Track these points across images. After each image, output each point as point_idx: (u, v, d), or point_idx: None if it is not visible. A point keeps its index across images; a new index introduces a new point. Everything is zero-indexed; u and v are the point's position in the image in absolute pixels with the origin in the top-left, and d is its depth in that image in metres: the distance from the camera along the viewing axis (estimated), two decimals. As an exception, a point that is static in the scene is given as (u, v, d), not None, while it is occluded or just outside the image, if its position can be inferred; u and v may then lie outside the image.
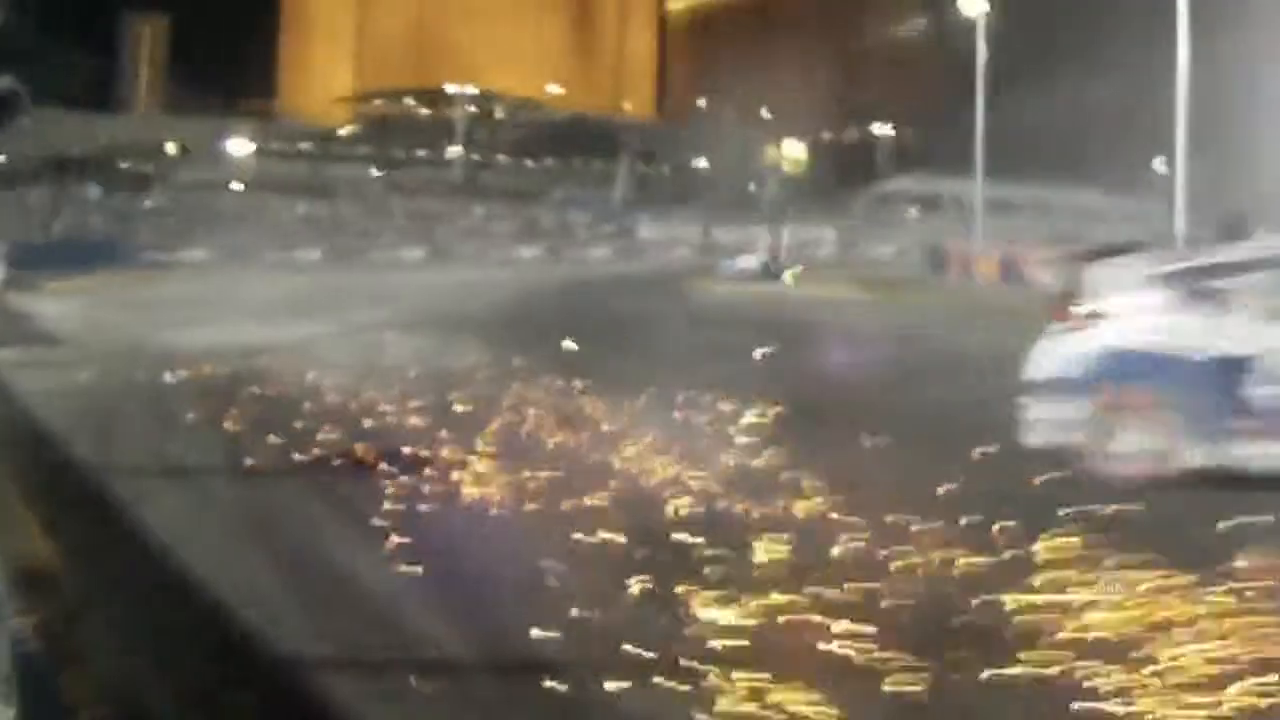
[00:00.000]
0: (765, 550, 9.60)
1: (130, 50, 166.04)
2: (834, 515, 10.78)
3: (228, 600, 8.49)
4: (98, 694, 6.57)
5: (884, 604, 8.16)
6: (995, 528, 9.70)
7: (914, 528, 9.95)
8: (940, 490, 11.21)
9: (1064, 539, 9.31)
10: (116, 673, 7.04)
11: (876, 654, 7.12)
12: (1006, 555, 9.19)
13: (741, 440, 14.74)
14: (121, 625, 8.01)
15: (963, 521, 10.06)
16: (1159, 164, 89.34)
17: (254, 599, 8.50)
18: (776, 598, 8.25)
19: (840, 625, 7.61)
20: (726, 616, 7.98)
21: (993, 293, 43.63)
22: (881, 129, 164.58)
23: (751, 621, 7.90)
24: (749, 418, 16.03)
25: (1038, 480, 11.84)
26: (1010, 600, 8.08)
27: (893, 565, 9.14)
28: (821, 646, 7.38)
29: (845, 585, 8.43)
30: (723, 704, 6.44)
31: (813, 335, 30.40)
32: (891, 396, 18.32)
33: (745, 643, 7.44)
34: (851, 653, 7.22)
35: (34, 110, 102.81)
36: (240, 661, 7.47)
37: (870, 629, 7.50)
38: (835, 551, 9.63)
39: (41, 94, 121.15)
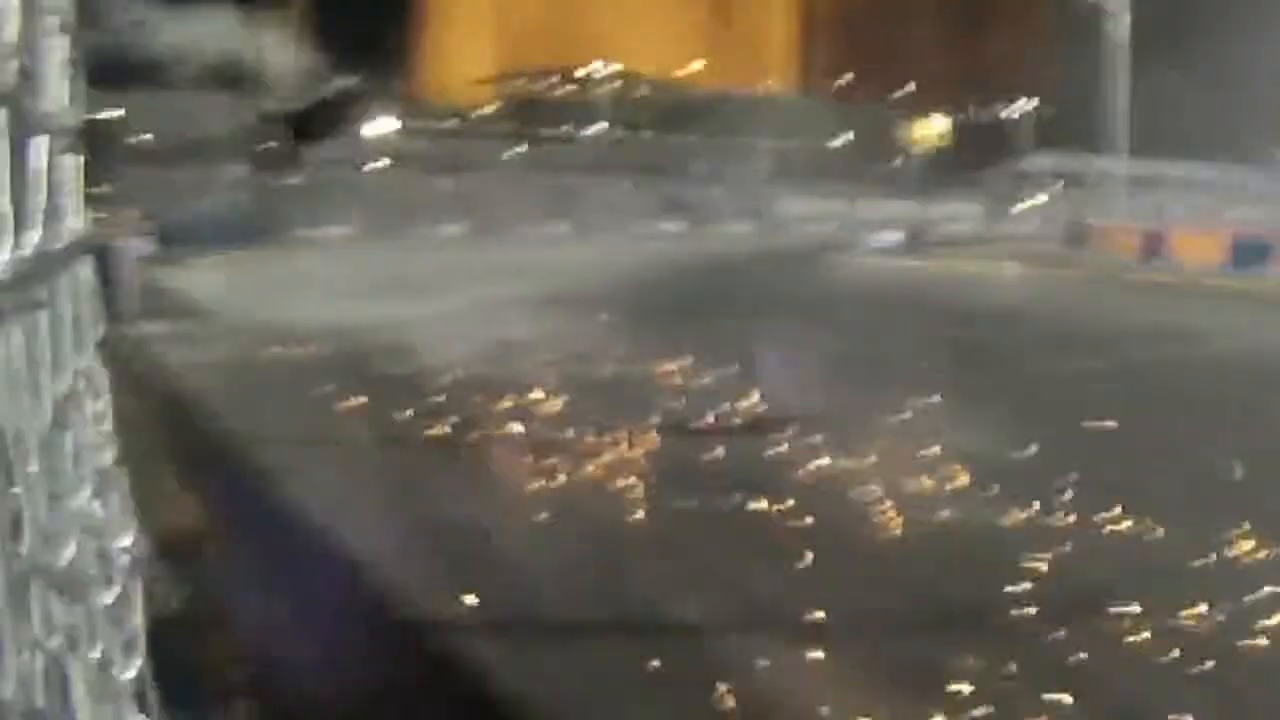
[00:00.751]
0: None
1: (271, 29, 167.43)
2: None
3: (366, 565, 8.68)
4: (233, 658, 6.76)
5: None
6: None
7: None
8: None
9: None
10: (252, 637, 7.22)
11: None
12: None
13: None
14: (266, 592, 8.21)
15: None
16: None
17: (392, 565, 8.68)
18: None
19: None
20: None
21: (1137, 268, 43.17)
22: (1023, 105, 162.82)
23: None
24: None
25: None
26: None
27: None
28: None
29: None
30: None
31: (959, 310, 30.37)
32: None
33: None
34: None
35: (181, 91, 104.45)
36: (378, 625, 7.64)
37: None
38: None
39: (186, 77, 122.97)
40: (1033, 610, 7.95)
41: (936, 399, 15.83)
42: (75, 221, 5.89)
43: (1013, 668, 6.97)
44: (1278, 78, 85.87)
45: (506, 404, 16.33)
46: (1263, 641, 7.33)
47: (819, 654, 7.18)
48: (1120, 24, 57.44)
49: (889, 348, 22.64)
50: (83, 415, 5.33)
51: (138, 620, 5.38)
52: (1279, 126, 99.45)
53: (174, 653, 6.23)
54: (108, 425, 6.87)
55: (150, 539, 7.93)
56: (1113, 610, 7.81)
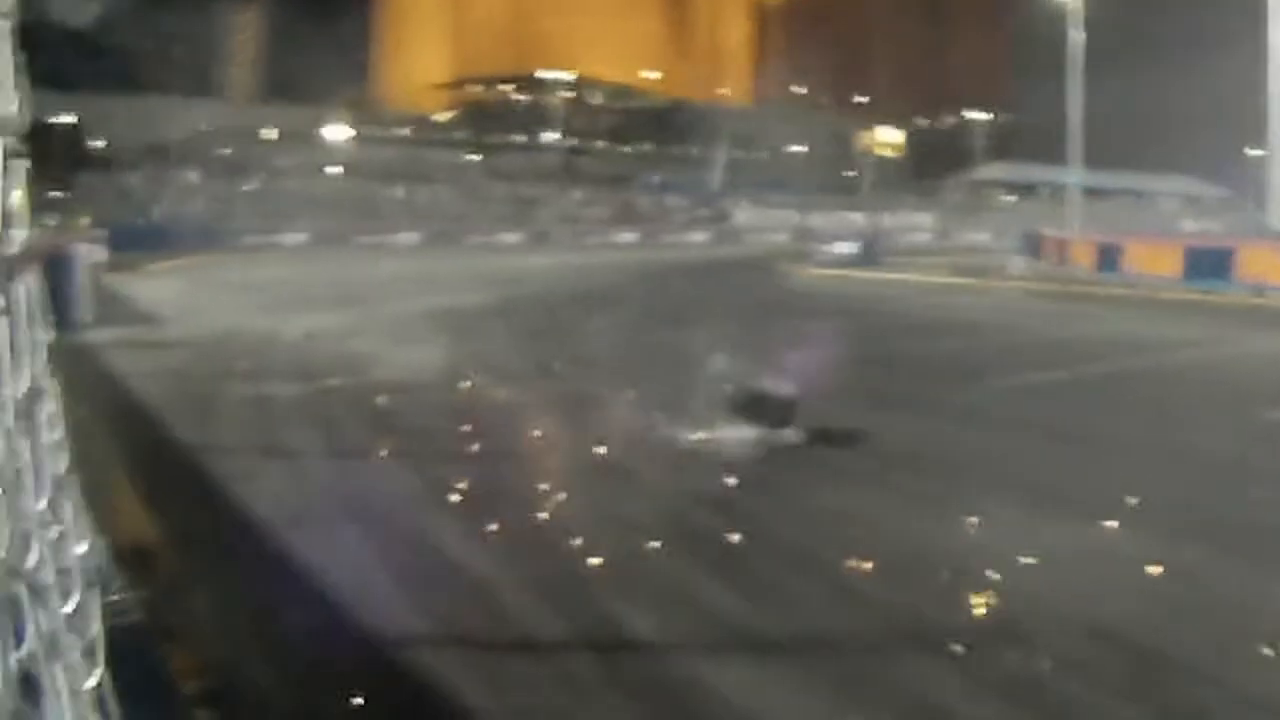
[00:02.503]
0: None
1: (229, 37, 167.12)
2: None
3: (327, 576, 8.63)
4: (199, 668, 6.71)
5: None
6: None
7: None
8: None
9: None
10: (217, 648, 7.18)
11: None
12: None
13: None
14: (222, 601, 8.16)
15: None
16: (1253, 151, 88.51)
17: (352, 576, 8.64)
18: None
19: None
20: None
21: (1089, 280, 43.31)
22: (976, 115, 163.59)
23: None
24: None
25: None
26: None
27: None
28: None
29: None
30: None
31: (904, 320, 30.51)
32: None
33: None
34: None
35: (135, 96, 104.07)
36: (339, 638, 7.59)
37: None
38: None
39: (140, 80, 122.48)
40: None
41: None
42: (25, 228, 5.84)
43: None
44: (1234, 91, 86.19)
45: (457, 407, 16.31)
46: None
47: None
48: (1076, 36, 57.59)
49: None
50: (35, 423, 5.28)
51: (96, 629, 5.33)
52: (1235, 140, 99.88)
53: (134, 662, 6.18)
54: (60, 433, 6.81)
55: (106, 548, 7.87)
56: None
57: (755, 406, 13.93)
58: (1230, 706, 6.47)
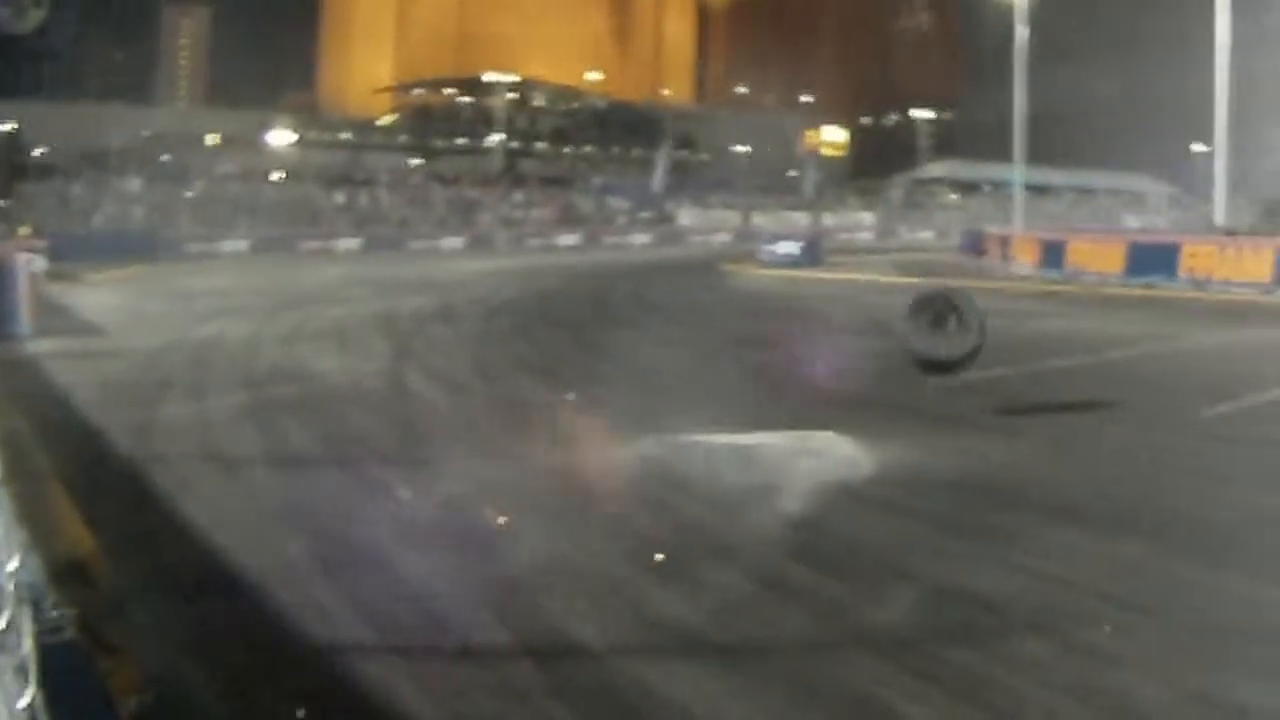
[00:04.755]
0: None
1: (170, 42, 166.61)
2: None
3: (267, 588, 8.57)
4: (137, 683, 6.65)
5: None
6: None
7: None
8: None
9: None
10: (156, 662, 7.11)
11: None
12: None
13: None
14: (161, 615, 8.09)
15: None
16: (1198, 147, 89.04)
17: (293, 586, 8.59)
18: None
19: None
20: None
21: (1032, 277, 43.49)
22: (921, 114, 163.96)
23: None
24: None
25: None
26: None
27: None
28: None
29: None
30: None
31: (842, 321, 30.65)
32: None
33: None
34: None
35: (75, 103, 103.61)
36: (279, 649, 7.54)
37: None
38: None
39: (81, 87, 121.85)
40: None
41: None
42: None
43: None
44: (1180, 88, 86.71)
45: (396, 416, 16.27)
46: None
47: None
48: (1019, 34, 57.72)
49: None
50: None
51: (28, 647, 5.26)
52: (1181, 137, 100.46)
53: (69, 680, 6.12)
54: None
55: (41, 563, 7.79)
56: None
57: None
58: None
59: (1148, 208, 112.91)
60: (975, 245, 56.76)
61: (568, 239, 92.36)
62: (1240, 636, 7.53)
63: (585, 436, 14.71)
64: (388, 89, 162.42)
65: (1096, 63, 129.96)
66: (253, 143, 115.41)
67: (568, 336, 27.55)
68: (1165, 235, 54.39)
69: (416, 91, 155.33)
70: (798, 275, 48.52)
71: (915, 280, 43.99)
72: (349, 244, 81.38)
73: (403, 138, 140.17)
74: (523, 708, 6.70)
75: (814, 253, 55.63)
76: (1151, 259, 40.29)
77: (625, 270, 54.81)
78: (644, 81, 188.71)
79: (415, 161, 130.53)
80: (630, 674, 7.04)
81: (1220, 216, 50.35)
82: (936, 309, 15.85)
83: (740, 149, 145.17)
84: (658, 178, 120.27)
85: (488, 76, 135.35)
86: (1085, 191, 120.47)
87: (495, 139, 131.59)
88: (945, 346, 15.64)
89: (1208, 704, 6.56)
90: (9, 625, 5.12)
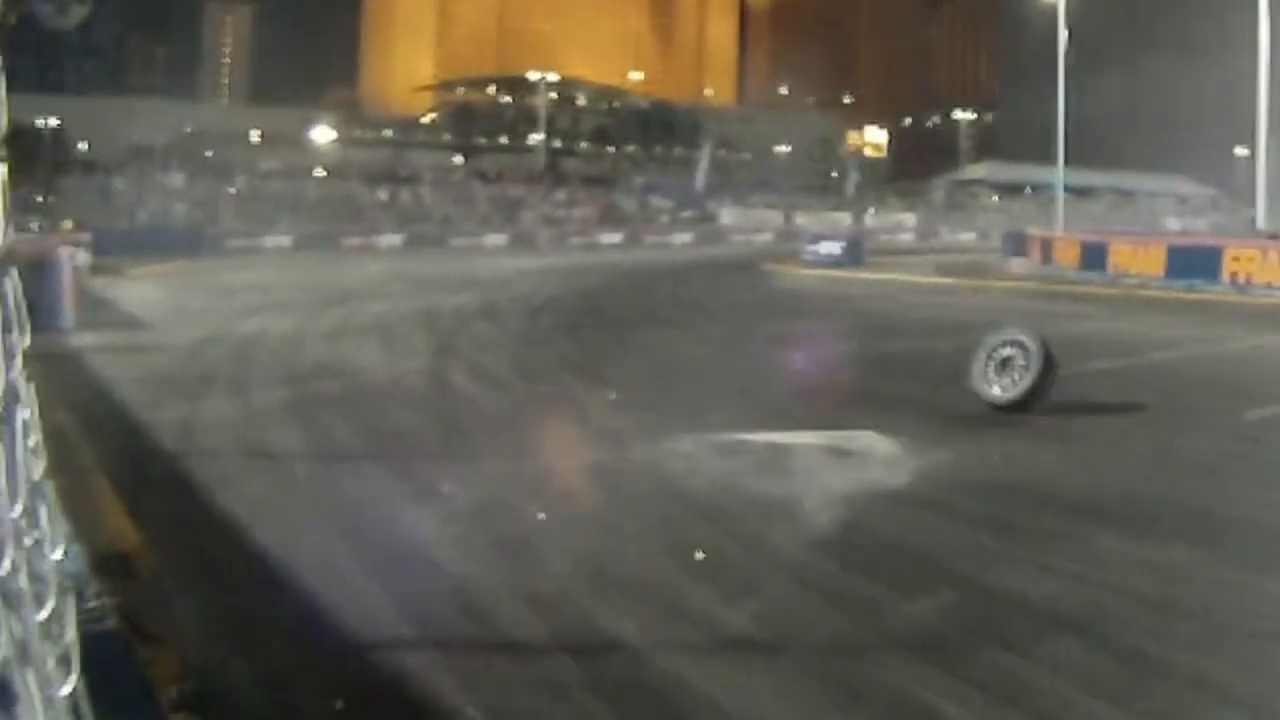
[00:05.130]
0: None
1: (213, 39, 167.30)
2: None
3: (307, 581, 8.58)
4: (178, 673, 6.66)
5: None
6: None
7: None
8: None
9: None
10: (197, 653, 7.12)
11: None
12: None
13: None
14: (204, 606, 8.11)
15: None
16: (1240, 151, 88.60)
17: (333, 579, 8.59)
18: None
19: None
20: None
21: (1074, 280, 43.28)
22: (962, 115, 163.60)
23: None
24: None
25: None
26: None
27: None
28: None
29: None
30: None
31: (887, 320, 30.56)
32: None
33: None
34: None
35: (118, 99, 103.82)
36: (319, 641, 7.55)
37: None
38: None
39: (124, 83, 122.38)
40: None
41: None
42: (3, 231, 5.79)
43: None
44: (1223, 90, 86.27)
45: (440, 414, 16.29)
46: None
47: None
48: (1060, 36, 57.48)
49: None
50: (11, 428, 5.23)
51: (71, 636, 5.28)
52: (1223, 140, 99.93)
53: (110, 669, 6.14)
54: (36, 438, 6.75)
55: (84, 553, 7.82)
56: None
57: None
58: None
59: (1189, 210, 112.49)
60: (1017, 247, 56.62)
61: (610, 238, 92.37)
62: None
63: (624, 435, 14.68)
64: (429, 87, 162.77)
65: (1137, 65, 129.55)
66: (295, 140, 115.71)
67: (610, 335, 27.51)
68: (1208, 238, 54.15)
69: (459, 90, 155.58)
70: (840, 275, 48.44)
71: (956, 281, 43.94)
72: (391, 241, 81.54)
73: (445, 135, 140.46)
74: (550, 700, 6.70)
75: (855, 253, 55.57)
76: (1193, 262, 40.09)
77: (667, 269, 54.84)
78: (686, 82, 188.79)
79: (457, 159, 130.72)
80: (668, 671, 7.03)
81: (1262, 220, 50.07)
82: (1004, 350, 15.93)
83: (782, 149, 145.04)
84: (700, 177, 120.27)
85: (530, 75, 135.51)
86: (1126, 194, 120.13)
87: (538, 138, 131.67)
88: (1013, 388, 15.66)
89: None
90: (53, 614, 5.15)
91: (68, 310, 27.20)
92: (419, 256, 68.14)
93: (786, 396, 17.74)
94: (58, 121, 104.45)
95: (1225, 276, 38.26)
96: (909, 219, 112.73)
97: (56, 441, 9.79)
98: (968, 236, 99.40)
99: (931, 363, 21.11)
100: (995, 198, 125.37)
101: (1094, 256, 44.96)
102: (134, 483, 11.77)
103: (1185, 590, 8.40)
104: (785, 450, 13.09)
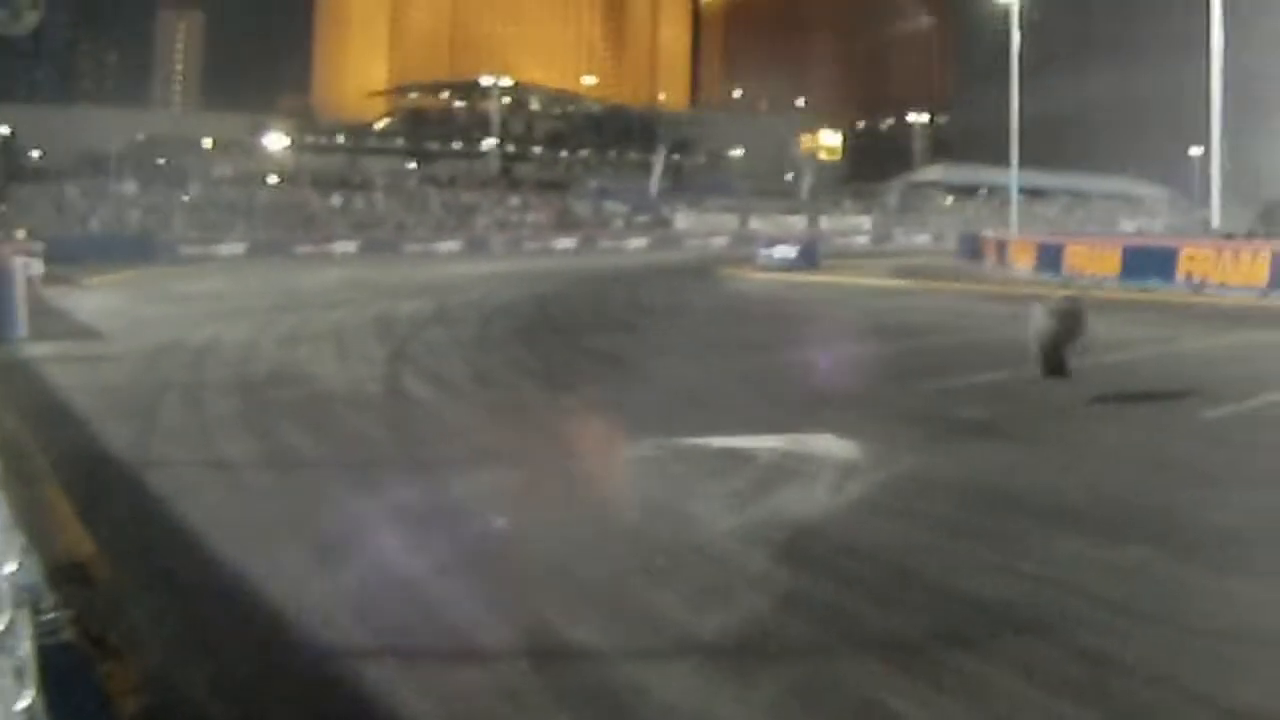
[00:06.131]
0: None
1: (165, 45, 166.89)
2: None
3: (266, 591, 8.53)
4: (136, 685, 6.61)
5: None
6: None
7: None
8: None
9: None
10: (155, 664, 7.07)
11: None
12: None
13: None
14: (160, 618, 8.05)
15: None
16: (1194, 151, 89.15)
17: (290, 588, 8.55)
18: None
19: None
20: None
21: (1029, 280, 43.45)
22: (916, 117, 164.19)
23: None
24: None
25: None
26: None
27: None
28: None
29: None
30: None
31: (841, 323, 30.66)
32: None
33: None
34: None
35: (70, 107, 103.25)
36: (277, 651, 7.51)
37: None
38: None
39: (76, 90, 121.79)
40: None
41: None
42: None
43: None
44: (1172, 90, 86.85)
45: (397, 420, 16.26)
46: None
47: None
48: (1015, 38, 57.74)
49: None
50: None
51: (27, 649, 5.23)
52: (1177, 141, 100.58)
53: (68, 682, 6.08)
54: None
55: (39, 565, 7.76)
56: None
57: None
58: None
59: (1143, 211, 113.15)
60: (972, 249, 56.83)
61: (564, 242, 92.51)
62: (1242, 641, 7.49)
63: (581, 440, 14.67)
64: (382, 92, 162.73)
65: (1091, 66, 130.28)
66: (248, 146, 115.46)
67: (564, 341, 27.53)
68: (1163, 239, 54.49)
69: (411, 95, 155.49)
70: (795, 279, 48.53)
71: (910, 283, 44.07)
72: (345, 247, 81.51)
73: (398, 141, 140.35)
74: (511, 704, 6.67)
75: (811, 256, 55.76)
76: (1148, 262, 40.36)
77: (622, 274, 54.87)
78: (639, 86, 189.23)
79: (411, 165, 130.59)
80: (627, 676, 7.00)
81: (1216, 220, 50.41)
82: (1071, 320, 16.61)
83: (736, 153, 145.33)
84: (654, 181, 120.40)
85: (483, 80, 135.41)
86: (1080, 195, 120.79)
87: (491, 143, 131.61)
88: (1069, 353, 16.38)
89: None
90: (8, 627, 5.09)
91: (20, 320, 27.06)
92: (373, 263, 68.14)
93: (742, 400, 17.73)
94: (8, 129, 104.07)
95: (1180, 276, 38.51)
96: (864, 222, 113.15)
97: (9, 452, 9.73)
98: (923, 239, 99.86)
99: (890, 365, 21.15)
100: (950, 200, 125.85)
101: (1050, 258, 45.24)
102: (89, 493, 11.70)
103: (1147, 590, 8.41)
104: (742, 454, 13.08)
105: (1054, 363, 16.92)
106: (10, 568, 6.17)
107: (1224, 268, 37.48)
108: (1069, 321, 16.91)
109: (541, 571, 9.13)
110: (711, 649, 7.51)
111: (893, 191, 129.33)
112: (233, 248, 76.17)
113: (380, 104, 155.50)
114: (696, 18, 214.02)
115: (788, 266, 53.93)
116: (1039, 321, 17.11)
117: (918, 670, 7.01)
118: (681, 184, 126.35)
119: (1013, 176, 64.09)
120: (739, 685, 6.91)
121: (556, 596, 8.51)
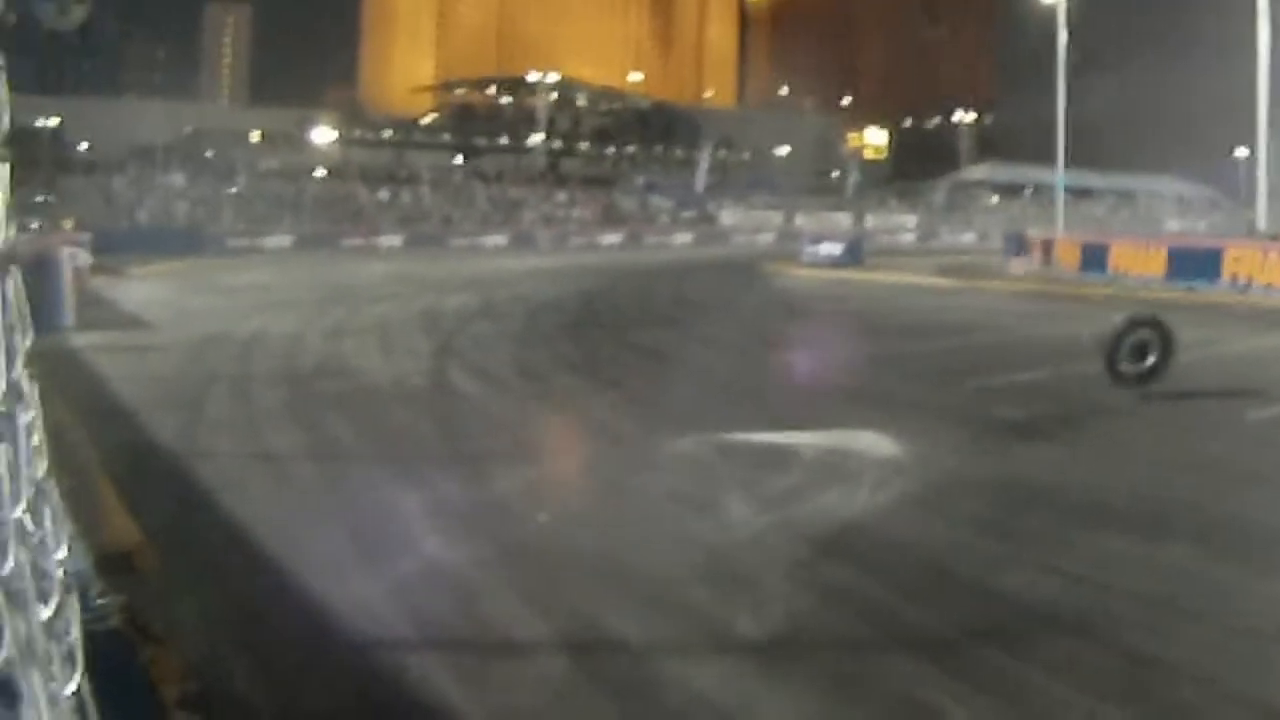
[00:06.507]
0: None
1: (213, 39, 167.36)
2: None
3: (309, 582, 8.57)
4: (181, 672, 6.65)
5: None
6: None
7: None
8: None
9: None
10: (199, 652, 7.12)
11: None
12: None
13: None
14: (206, 605, 8.10)
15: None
16: (1240, 152, 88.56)
17: (334, 579, 8.59)
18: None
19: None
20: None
21: (1074, 280, 43.26)
22: (962, 116, 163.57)
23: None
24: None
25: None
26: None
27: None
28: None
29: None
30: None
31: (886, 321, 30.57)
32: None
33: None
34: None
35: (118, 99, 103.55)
36: (321, 641, 7.55)
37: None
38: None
39: (124, 83, 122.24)
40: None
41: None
42: (5, 230, 5.79)
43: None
44: (1222, 91, 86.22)
45: (444, 417, 16.29)
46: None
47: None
48: (1062, 37, 57.40)
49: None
50: (14, 428, 5.23)
51: (75, 635, 5.28)
52: (1223, 141, 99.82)
53: (114, 668, 6.14)
54: (39, 438, 6.74)
55: (87, 553, 7.81)
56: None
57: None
58: None
59: (1188, 212, 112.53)
60: (1018, 248, 56.64)
61: (610, 238, 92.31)
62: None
63: (625, 435, 14.68)
64: (429, 87, 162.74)
65: (1137, 66, 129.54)
66: (295, 140, 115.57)
67: (609, 335, 27.55)
68: (1208, 239, 54.19)
69: (458, 90, 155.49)
70: (840, 276, 48.43)
71: (956, 282, 43.93)
72: (391, 241, 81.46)
73: (445, 136, 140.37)
74: (553, 696, 6.71)
75: (856, 253, 55.61)
76: (1194, 263, 40.11)
77: (668, 269, 54.86)
78: (686, 83, 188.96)
79: (458, 160, 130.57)
80: (669, 669, 7.03)
81: (1262, 221, 50.05)
82: (1143, 335, 16.78)
83: (782, 150, 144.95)
84: (700, 178, 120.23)
85: (530, 76, 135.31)
86: (1126, 195, 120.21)
87: (538, 138, 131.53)
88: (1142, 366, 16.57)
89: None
90: (56, 613, 5.15)
91: (69, 309, 27.19)
92: (419, 257, 68.10)
93: (786, 397, 17.75)
94: (58, 121, 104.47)
95: (1225, 277, 38.30)
96: (909, 220, 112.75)
97: (58, 441, 9.78)
98: (968, 238, 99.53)
99: (934, 363, 21.13)
100: (995, 199, 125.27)
101: (1095, 257, 44.98)
102: (136, 482, 11.76)
103: (1189, 590, 8.40)
104: (786, 450, 13.08)
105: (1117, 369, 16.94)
106: (60, 555, 6.23)
107: (1269, 269, 37.26)
108: (1149, 335, 17.02)
109: (583, 567, 9.16)
110: (753, 643, 7.53)
111: (938, 190, 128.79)
112: (279, 240, 76.14)
113: (427, 99, 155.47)
114: (743, 16, 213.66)
115: (833, 263, 53.80)
116: (1118, 326, 17.10)
117: (957, 668, 7.02)
118: (727, 180, 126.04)
119: (1058, 176, 63.75)
120: (779, 679, 6.92)
121: (597, 591, 8.54)
